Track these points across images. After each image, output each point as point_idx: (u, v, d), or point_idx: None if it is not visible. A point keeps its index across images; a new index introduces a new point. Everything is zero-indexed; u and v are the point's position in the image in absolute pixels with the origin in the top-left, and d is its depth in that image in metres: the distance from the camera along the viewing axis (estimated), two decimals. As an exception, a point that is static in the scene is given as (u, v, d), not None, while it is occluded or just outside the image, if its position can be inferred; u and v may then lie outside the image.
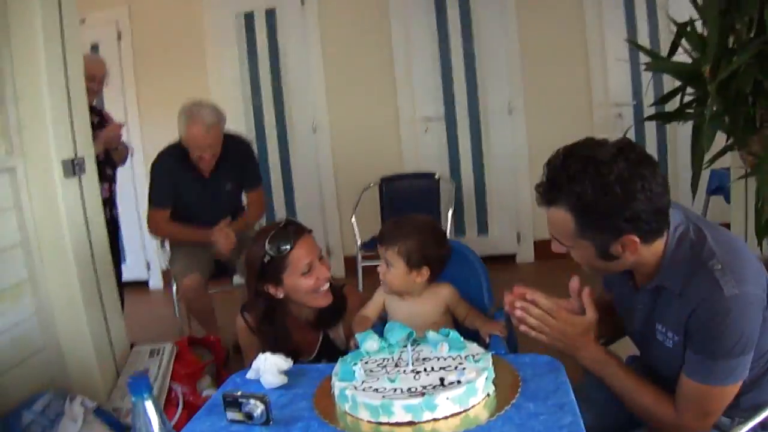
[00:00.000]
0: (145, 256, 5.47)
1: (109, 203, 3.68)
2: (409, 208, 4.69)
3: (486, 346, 1.94)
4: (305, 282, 2.10)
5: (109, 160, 3.69)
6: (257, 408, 1.53)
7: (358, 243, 4.43)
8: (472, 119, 5.15)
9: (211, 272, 3.73)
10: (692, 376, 1.48)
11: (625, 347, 1.91)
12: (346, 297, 2.27)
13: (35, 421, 2.46)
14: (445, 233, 2.16)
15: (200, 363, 3.18)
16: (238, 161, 3.74)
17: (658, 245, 1.51)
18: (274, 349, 2.15)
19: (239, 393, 1.56)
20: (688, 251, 1.50)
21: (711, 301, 1.43)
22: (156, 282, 5.47)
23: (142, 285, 5.44)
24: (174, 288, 3.98)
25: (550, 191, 1.50)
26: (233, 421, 1.57)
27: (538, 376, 1.63)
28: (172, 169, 3.62)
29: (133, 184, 5.13)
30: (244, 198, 3.89)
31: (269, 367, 1.77)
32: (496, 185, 5.19)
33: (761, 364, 1.53)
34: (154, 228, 3.73)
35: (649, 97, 4.63)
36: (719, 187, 3.58)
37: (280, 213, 5.44)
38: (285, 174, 5.38)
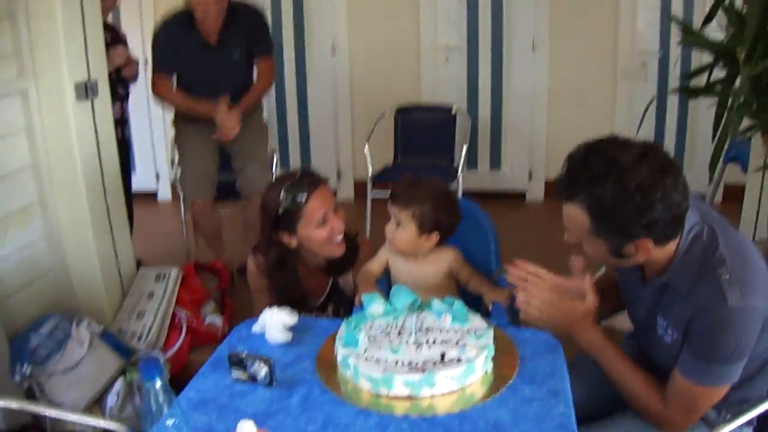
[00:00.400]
0: (155, 167, 5.46)
1: (121, 123, 3.62)
2: (423, 140, 4.67)
3: (488, 314, 1.96)
4: (319, 233, 2.11)
5: (121, 79, 3.62)
6: (261, 370, 1.57)
7: (370, 173, 4.40)
8: (494, 53, 5.02)
9: (218, 179, 3.70)
10: (685, 375, 1.51)
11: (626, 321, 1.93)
12: (359, 246, 2.29)
13: (42, 344, 2.52)
14: (458, 202, 2.13)
15: (205, 290, 3.23)
16: (248, 27, 3.51)
17: (671, 246, 1.51)
18: (283, 294, 2.21)
19: (244, 354, 1.59)
20: (699, 254, 1.49)
21: (714, 310, 1.44)
22: (164, 193, 5.48)
23: (150, 196, 5.46)
24: (182, 206, 4.01)
25: (568, 188, 1.49)
26: (237, 380, 1.61)
27: (537, 355, 1.66)
28: (177, 35, 3.46)
29: (146, 88, 5.05)
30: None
31: (275, 323, 1.80)
32: (513, 122, 5.12)
33: (756, 364, 1.55)
34: (158, 93, 3.62)
35: (675, 51, 4.51)
36: (737, 156, 3.51)
37: (293, 134, 5.40)
38: (300, 95, 5.30)
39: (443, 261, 2.10)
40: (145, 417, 1.13)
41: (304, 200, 2.08)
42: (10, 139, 2.59)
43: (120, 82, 3.59)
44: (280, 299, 2.25)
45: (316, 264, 2.26)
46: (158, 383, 1.12)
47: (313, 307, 2.30)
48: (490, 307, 1.99)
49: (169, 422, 1.14)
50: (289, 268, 2.21)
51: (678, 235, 1.51)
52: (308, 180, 2.13)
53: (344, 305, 2.30)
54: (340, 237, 2.16)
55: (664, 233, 1.46)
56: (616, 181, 1.40)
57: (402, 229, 2.02)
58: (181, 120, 3.72)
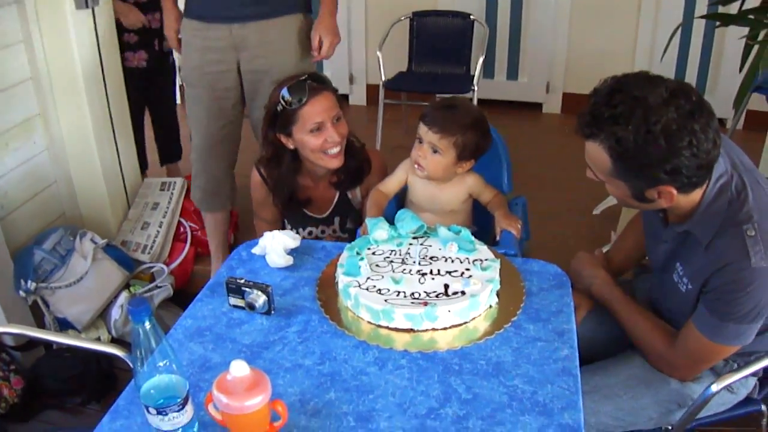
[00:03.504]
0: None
1: (159, 33, 3.20)
2: (439, 47, 4.51)
3: (496, 242, 1.91)
4: (313, 140, 2.06)
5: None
6: (259, 298, 1.53)
7: (383, 78, 4.28)
8: (516, -42, 4.80)
9: None
10: (700, 328, 1.46)
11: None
12: (370, 160, 2.23)
13: (46, 258, 2.51)
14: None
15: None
16: None
17: (696, 194, 1.42)
18: (280, 194, 2.18)
19: (243, 281, 1.55)
20: (725, 206, 1.41)
21: (736, 268, 1.37)
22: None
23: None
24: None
25: (590, 125, 1.38)
26: (235, 307, 1.58)
27: (544, 290, 1.62)
28: None
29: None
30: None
31: (275, 247, 1.75)
32: (532, 32, 4.92)
33: None
34: None
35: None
36: (762, 87, 3.32)
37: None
38: (313, -4, 5.12)
39: (465, 185, 2.02)
40: (135, 358, 1.10)
41: (301, 103, 2.03)
42: (7, 50, 2.50)
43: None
44: (280, 203, 2.21)
45: (321, 175, 2.21)
46: (147, 324, 1.08)
47: (318, 218, 2.26)
48: (498, 237, 1.93)
49: (161, 363, 1.11)
50: (285, 167, 2.16)
51: (705, 184, 1.41)
52: (312, 84, 2.05)
53: (351, 218, 2.26)
54: (335, 149, 2.09)
55: (689, 181, 1.36)
56: (641, 122, 1.29)
57: (440, 155, 1.91)
58: None
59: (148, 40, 3.23)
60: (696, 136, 1.29)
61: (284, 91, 2.03)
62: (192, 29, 2.46)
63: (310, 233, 2.25)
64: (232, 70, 2.47)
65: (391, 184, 2.08)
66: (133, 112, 3.12)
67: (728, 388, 1.59)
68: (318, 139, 2.05)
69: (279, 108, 2.05)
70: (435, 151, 1.91)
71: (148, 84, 3.35)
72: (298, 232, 2.15)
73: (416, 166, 1.96)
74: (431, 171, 1.94)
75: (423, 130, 1.92)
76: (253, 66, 2.45)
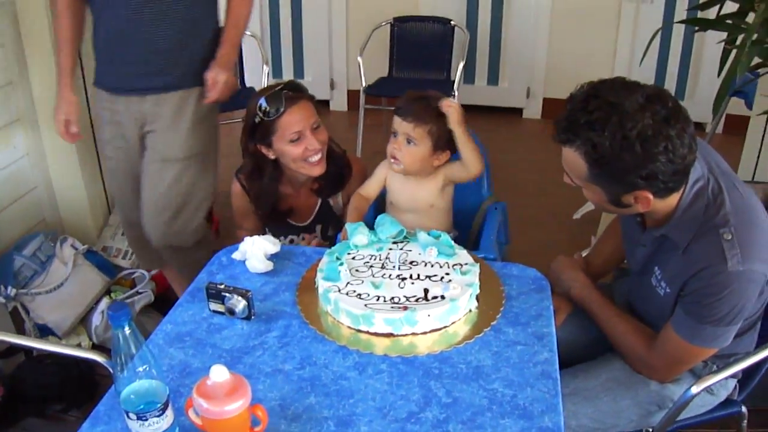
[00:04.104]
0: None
1: None
2: (419, 53, 4.54)
3: (476, 246, 1.91)
4: (293, 150, 2.05)
5: None
6: (239, 303, 1.53)
7: (363, 84, 4.30)
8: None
9: None
10: (678, 331, 1.47)
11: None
12: (351, 165, 2.23)
13: (26, 264, 2.49)
14: None
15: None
16: None
17: (673, 199, 1.44)
18: (262, 206, 2.18)
19: (222, 286, 1.55)
20: (702, 210, 1.42)
21: (712, 272, 1.38)
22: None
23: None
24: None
25: (566, 131, 1.39)
26: (215, 312, 1.57)
27: (523, 294, 1.63)
28: None
29: None
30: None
31: (256, 252, 1.76)
32: (513, 38, 4.96)
33: (747, 322, 1.52)
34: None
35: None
36: (740, 90, 3.36)
37: (286, 42, 5.24)
38: (294, 2, 5.11)
39: (440, 176, 1.98)
40: (115, 363, 1.10)
41: (279, 113, 2.02)
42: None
43: None
44: (262, 214, 2.21)
45: (302, 183, 2.20)
46: (127, 330, 1.08)
47: (300, 226, 2.26)
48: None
49: (141, 369, 1.11)
50: (267, 178, 2.15)
51: (682, 188, 1.43)
52: (289, 94, 2.04)
53: (332, 225, 2.26)
54: (316, 157, 2.08)
55: (665, 186, 1.37)
56: (617, 128, 1.30)
57: (415, 146, 1.88)
58: None
59: None
60: (672, 141, 1.30)
61: (261, 102, 2.02)
62: (101, 100, 2.28)
63: (291, 241, 2.25)
64: (136, 144, 2.29)
65: (371, 187, 2.07)
66: None
67: (708, 390, 1.60)
68: (298, 147, 2.05)
69: (257, 120, 2.04)
70: (410, 142, 1.88)
71: None
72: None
73: (392, 160, 1.93)
74: (408, 164, 1.91)
75: (397, 121, 1.90)
76: (149, 141, 2.26)
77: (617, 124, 1.30)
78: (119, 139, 2.30)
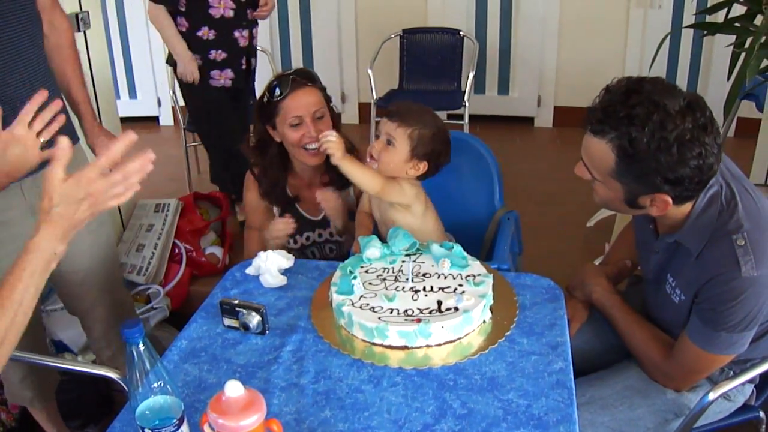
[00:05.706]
0: (156, 92, 5.35)
1: (247, 51, 3.30)
2: (430, 64, 4.55)
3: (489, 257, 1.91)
4: (292, 134, 2.07)
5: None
6: (253, 319, 1.54)
7: (374, 97, 4.31)
8: (503, -26, 4.84)
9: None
10: (693, 339, 1.47)
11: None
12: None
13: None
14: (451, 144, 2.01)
15: (205, 221, 3.20)
16: None
17: (687, 206, 1.44)
18: (267, 185, 2.18)
19: (236, 301, 1.56)
20: (715, 216, 1.42)
21: (726, 278, 1.38)
22: (167, 119, 5.39)
23: (152, 120, 5.39)
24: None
25: (601, 122, 1.37)
26: (230, 327, 1.58)
27: (537, 304, 1.62)
28: None
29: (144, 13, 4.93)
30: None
31: (269, 267, 1.76)
32: (522, 47, 4.96)
33: (764, 327, 1.51)
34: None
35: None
36: (751, 93, 3.35)
37: (296, 55, 5.27)
38: (303, 16, 5.14)
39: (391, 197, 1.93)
40: (130, 380, 1.10)
41: (281, 96, 2.06)
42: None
43: (250, 5, 3.22)
44: (272, 199, 2.21)
45: (312, 175, 2.22)
46: (141, 347, 1.08)
47: (314, 221, 2.25)
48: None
49: (155, 385, 1.11)
50: (270, 156, 2.17)
51: (696, 196, 1.43)
52: (296, 78, 2.08)
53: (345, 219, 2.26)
54: (314, 146, 2.07)
55: (686, 193, 1.38)
56: (658, 127, 1.30)
57: (393, 147, 1.87)
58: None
59: (234, 58, 3.18)
60: (705, 149, 1.31)
61: (269, 85, 2.08)
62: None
63: (308, 239, 2.24)
64: None
65: (365, 200, 2.09)
66: (234, 135, 2.99)
67: (725, 396, 1.59)
68: (297, 133, 2.06)
69: (265, 99, 2.09)
70: (390, 143, 1.87)
71: (235, 104, 3.29)
72: (296, 240, 2.17)
73: (369, 159, 1.92)
74: (382, 163, 1.89)
75: (383, 122, 1.90)
76: None
77: (658, 124, 1.30)
78: None
